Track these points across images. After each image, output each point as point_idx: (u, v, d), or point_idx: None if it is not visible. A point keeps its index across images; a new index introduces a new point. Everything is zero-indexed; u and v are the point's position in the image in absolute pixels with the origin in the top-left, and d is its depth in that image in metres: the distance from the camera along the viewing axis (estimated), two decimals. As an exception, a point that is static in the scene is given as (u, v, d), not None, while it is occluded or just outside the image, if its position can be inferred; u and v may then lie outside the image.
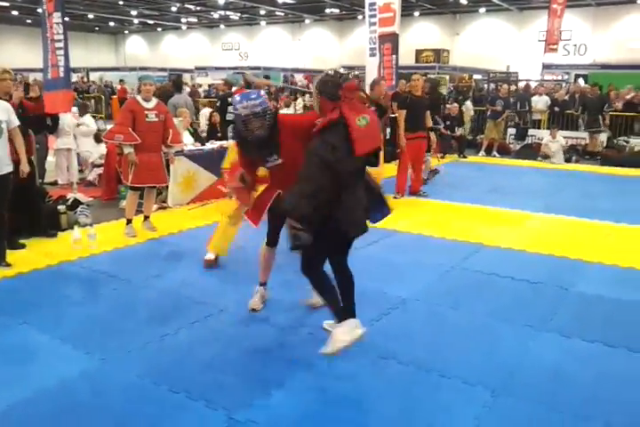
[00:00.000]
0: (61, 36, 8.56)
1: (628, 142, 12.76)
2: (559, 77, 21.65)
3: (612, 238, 6.15)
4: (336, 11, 28.84)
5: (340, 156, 3.04)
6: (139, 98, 5.89)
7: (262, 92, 3.55)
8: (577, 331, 3.83)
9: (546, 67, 21.29)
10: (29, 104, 5.53)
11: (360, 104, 3.23)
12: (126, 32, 40.37)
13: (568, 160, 12.18)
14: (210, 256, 5.01)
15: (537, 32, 24.41)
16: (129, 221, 5.96)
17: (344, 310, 3.31)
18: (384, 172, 7.72)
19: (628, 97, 13.64)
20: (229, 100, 10.12)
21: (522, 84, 16.61)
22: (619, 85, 14.55)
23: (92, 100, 19.47)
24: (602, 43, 24.50)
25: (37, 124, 5.81)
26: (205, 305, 4.19)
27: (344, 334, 3.15)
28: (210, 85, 21.53)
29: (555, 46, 15.76)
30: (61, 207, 6.18)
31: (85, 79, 24.09)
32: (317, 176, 3.05)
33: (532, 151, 12.77)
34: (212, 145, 8.07)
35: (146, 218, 6.15)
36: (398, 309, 4.06)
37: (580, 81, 19.66)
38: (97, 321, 3.93)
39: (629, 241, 6.05)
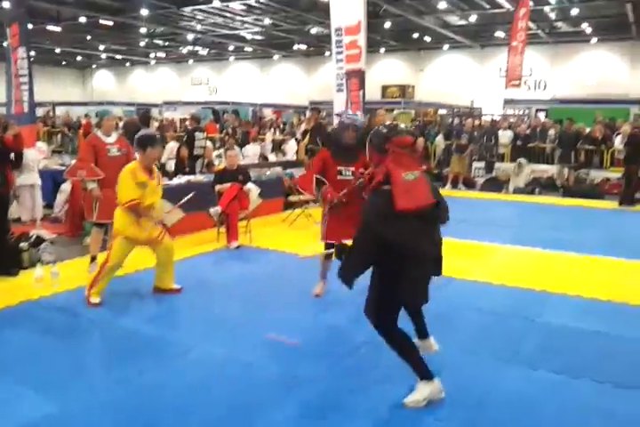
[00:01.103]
0: (26, 71, 8.55)
1: (588, 175, 13.18)
2: (520, 112, 22.35)
3: (574, 269, 6.27)
4: (303, 47, 29.43)
5: (389, 221, 3.01)
6: (99, 133, 5.91)
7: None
8: (543, 362, 3.86)
9: (507, 102, 21.97)
10: (10, 140, 5.52)
11: (410, 160, 3.14)
12: (94, 66, 40.38)
13: (531, 192, 12.49)
14: (96, 300, 4.86)
15: (498, 68, 25.25)
16: (93, 258, 5.85)
17: (427, 371, 3.28)
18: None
19: (586, 131, 14.11)
20: (196, 134, 10.30)
21: (486, 119, 17.08)
22: (577, 120, 15.06)
23: (59, 135, 19.29)
24: (560, 79, 25.47)
25: (17, 159, 5.90)
26: (171, 344, 4.10)
27: (430, 393, 3.26)
28: (182, 120, 21.54)
29: (517, 82, 16.26)
30: (24, 245, 6.04)
31: (51, 113, 23.91)
32: (364, 247, 3.12)
33: (497, 184, 13.08)
34: (179, 180, 8.05)
35: (111, 255, 6.04)
36: (369, 344, 4.03)
37: (541, 115, 20.33)
38: (60, 362, 3.80)
39: (591, 272, 6.19)
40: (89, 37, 27.41)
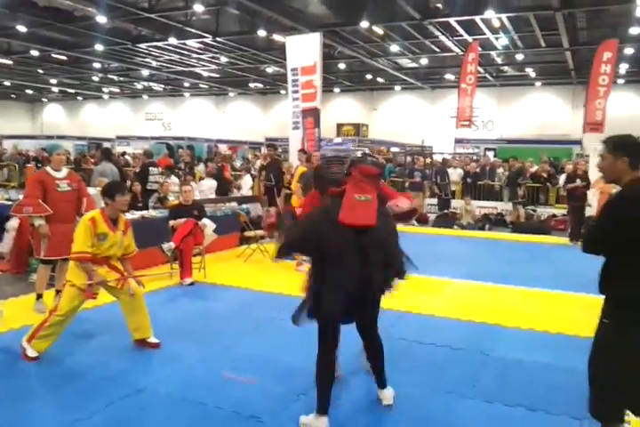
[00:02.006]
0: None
1: (535, 211, 13.64)
2: (470, 151, 23.11)
3: (526, 303, 6.40)
4: (260, 85, 29.86)
5: (321, 225, 3.23)
6: (48, 168, 5.77)
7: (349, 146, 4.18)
8: (499, 396, 3.89)
9: (457, 141, 22.72)
10: None
11: (369, 187, 3.30)
12: (44, 100, 39.82)
13: (482, 228, 12.80)
14: (34, 354, 4.40)
15: (449, 108, 26.18)
16: (39, 296, 5.63)
17: (325, 406, 3.31)
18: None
19: (532, 170, 14.66)
20: (151, 169, 10.19)
21: (437, 157, 17.58)
22: (524, 159, 15.67)
23: (6, 169, 18.77)
24: (507, 119, 26.57)
25: None
26: (121, 385, 3.94)
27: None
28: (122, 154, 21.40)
29: (466, 122, 16.88)
30: (-36, 282, 5.77)
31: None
32: (294, 232, 3.48)
33: (449, 220, 13.39)
34: (132, 215, 7.90)
35: (58, 292, 5.81)
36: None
37: (490, 154, 21.06)
38: (1, 406, 3.59)
39: (542, 305, 6.32)
40: (40, 71, 27.11)
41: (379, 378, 3.72)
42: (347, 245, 3.17)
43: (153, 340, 4.73)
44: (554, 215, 13.36)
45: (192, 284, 6.91)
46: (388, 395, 3.71)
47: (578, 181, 11.00)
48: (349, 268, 3.16)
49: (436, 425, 3.49)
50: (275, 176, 9.94)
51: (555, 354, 4.75)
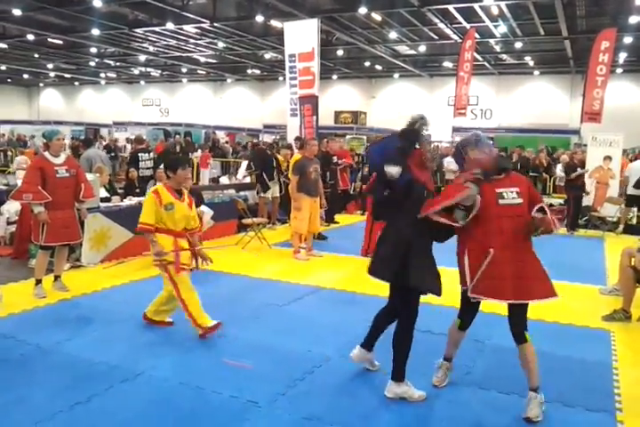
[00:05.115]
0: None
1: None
2: (468, 139, 23.06)
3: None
4: (257, 71, 29.69)
5: None
6: (46, 154, 5.68)
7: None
8: (494, 383, 3.95)
9: (455, 129, 22.68)
10: None
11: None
12: (41, 85, 39.55)
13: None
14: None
15: (446, 97, 26.12)
16: (38, 282, 5.64)
17: (368, 342, 4.04)
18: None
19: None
20: (140, 155, 10.10)
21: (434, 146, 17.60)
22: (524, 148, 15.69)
23: (1, 154, 18.70)
24: (505, 108, 26.52)
25: None
26: (120, 370, 3.98)
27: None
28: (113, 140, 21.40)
29: (463, 111, 16.83)
30: (-37, 267, 5.78)
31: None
32: None
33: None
34: (129, 201, 7.91)
35: (57, 278, 5.84)
36: (322, 367, 4.02)
37: (487, 143, 21.03)
38: (1, 389, 3.63)
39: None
40: (37, 55, 26.88)
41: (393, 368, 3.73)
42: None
43: (167, 319, 4.95)
44: (551, 205, 13.39)
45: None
46: (392, 387, 3.68)
47: (579, 170, 10.97)
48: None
49: (427, 410, 3.53)
50: (256, 165, 10.01)
51: (550, 342, 4.80)
